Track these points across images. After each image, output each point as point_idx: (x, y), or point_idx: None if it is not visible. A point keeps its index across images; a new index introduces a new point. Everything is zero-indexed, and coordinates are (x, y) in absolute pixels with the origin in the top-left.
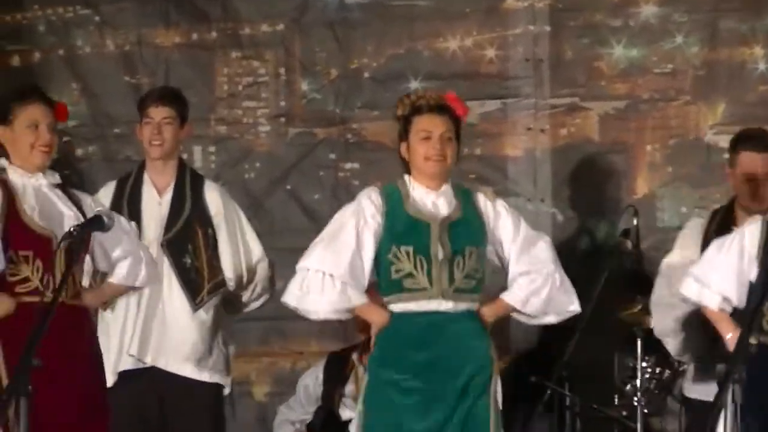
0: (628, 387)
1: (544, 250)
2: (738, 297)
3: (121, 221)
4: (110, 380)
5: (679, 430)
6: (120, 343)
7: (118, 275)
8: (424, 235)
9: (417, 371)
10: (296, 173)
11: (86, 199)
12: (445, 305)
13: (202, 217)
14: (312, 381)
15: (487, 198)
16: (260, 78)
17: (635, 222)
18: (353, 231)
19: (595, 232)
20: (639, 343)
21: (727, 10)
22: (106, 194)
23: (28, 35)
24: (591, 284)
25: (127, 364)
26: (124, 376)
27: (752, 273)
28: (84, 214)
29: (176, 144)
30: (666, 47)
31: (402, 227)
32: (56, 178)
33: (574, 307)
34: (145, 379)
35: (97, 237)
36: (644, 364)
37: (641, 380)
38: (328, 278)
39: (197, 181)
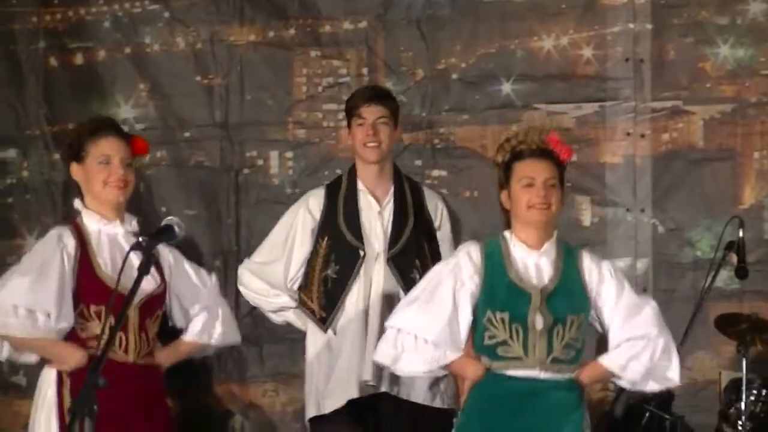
0: (732, 410)
1: (648, 315)
2: None
3: (202, 273)
4: (330, 406)
5: None
6: (348, 369)
7: (192, 331)
8: (523, 303)
9: None
10: None
11: (164, 251)
12: (543, 375)
13: (425, 228)
14: None
15: (593, 260)
16: (341, 79)
17: (741, 234)
18: (450, 292)
19: (698, 244)
20: (744, 362)
21: None
22: (315, 203)
23: (93, 32)
24: (693, 300)
25: (355, 392)
26: (351, 405)
27: None
28: (161, 270)
29: (391, 146)
30: None
31: (500, 293)
32: (134, 226)
33: (673, 374)
34: (374, 408)
35: (174, 292)
36: (751, 386)
37: (746, 403)
38: (421, 341)
39: (417, 189)
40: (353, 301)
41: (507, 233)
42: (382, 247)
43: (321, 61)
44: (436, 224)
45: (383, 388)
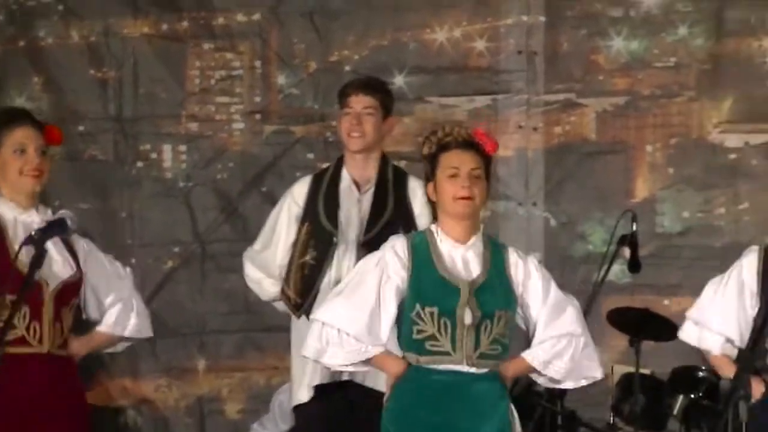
0: (624, 404)
1: (572, 314)
2: (740, 336)
3: (117, 266)
4: (305, 395)
5: None
6: None
7: (107, 323)
8: (452, 298)
9: None
10: (272, 174)
11: (79, 242)
12: (469, 369)
13: (404, 216)
14: (287, 397)
15: (519, 256)
16: (234, 71)
17: (634, 227)
18: (375, 286)
19: (590, 238)
20: (636, 356)
21: None
22: (301, 190)
23: None
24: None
25: (323, 378)
26: (318, 391)
27: (755, 308)
28: (77, 259)
29: (379, 137)
30: (669, 39)
31: (428, 287)
32: (48, 215)
33: (596, 373)
34: (340, 394)
35: (90, 282)
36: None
37: (638, 397)
38: (344, 335)
39: (401, 178)
40: (327, 287)
41: (433, 226)
42: (356, 234)
43: (214, 54)
44: (417, 212)
45: (345, 376)
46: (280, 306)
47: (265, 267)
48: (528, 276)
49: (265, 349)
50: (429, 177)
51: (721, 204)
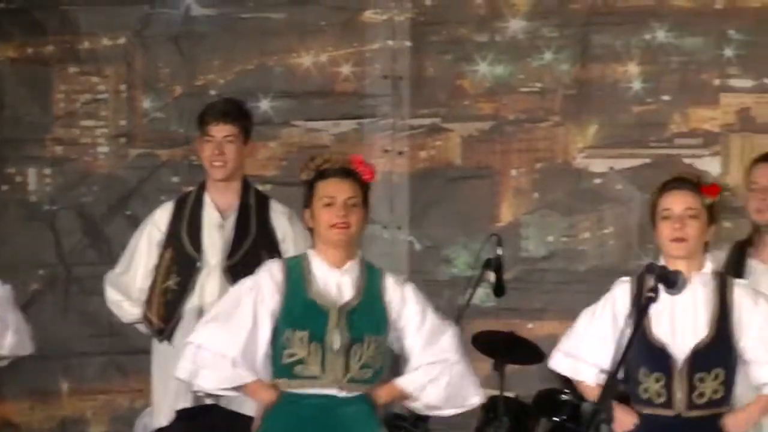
0: (489, 428)
1: (448, 340)
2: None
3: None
4: (166, 419)
5: None
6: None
7: None
8: (322, 321)
9: None
10: (137, 197)
11: None
12: (339, 394)
13: (268, 241)
14: (150, 420)
15: (396, 282)
16: (100, 95)
17: (499, 251)
18: (250, 310)
19: (455, 261)
20: (501, 380)
21: (600, 24)
22: (162, 215)
23: None
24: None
25: (186, 402)
26: (181, 415)
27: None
28: None
29: (240, 163)
30: (534, 64)
31: (299, 310)
32: None
33: (475, 400)
34: (204, 418)
35: None
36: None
37: (503, 421)
38: (219, 357)
39: (263, 203)
40: (190, 312)
41: (310, 251)
42: (218, 259)
43: (80, 78)
44: (280, 237)
45: (210, 400)
46: (142, 328)
47: (125, 290)
48: (404, 302)
49: (128, 372)
50: (306, 204)
51: (586, 228)
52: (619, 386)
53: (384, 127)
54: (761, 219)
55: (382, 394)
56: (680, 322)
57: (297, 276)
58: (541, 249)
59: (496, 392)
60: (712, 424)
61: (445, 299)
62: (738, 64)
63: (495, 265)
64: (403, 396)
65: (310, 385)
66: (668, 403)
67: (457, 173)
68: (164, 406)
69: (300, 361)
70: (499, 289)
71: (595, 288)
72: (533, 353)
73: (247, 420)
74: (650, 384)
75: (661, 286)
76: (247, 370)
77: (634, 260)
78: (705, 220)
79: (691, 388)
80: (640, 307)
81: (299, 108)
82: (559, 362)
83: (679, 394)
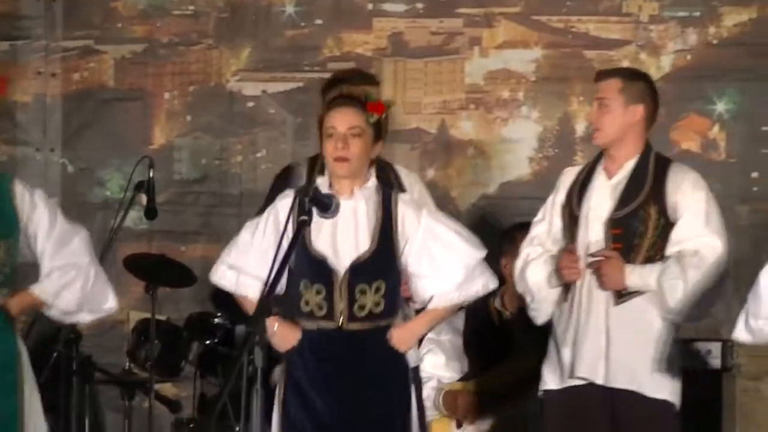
0: (140, 350)
1: (79, 244)
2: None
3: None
4: None
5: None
6: None
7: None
8: None
9: None
10: None
11: None
12: None
13: None
14: None
15: (25, 189)
16: None
17: (151, 174)
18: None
19: (108, 184)
20: (153, 303)
21: None
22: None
23: None
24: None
25: None
26: None
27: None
28: None
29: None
30: None
31: None
32: None
33: (110, 304)
34: None
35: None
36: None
37: (154, 343)
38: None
39: None
40: None
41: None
42: None
43: None
44: None
45: None
46: None
47: None
48: (34, 207)
49: None
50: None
51: (239, 152)
52: (275, 305)
53: (37, 49)
54: None
55: (16, 304)
56: (342, 236)
57: None
58: (193, 172)
59: (147, 315)
60: (376, 336)
61: (98, 222)
62: None
63: (147, 187)
64: (37, 303)
65: None
66: (329, 315)
67: (110, 95)
68: None
69: None
70: (151, 212)
71: (248, 211)
72: (186, 276)
73: None
74: (311, 296)
75: (314, 209)
76: None
77: None
78: (370, 138)
79: (352, 300)
80: (295, 230)
81: None
82: (223, 275)
83: (341, 306)
